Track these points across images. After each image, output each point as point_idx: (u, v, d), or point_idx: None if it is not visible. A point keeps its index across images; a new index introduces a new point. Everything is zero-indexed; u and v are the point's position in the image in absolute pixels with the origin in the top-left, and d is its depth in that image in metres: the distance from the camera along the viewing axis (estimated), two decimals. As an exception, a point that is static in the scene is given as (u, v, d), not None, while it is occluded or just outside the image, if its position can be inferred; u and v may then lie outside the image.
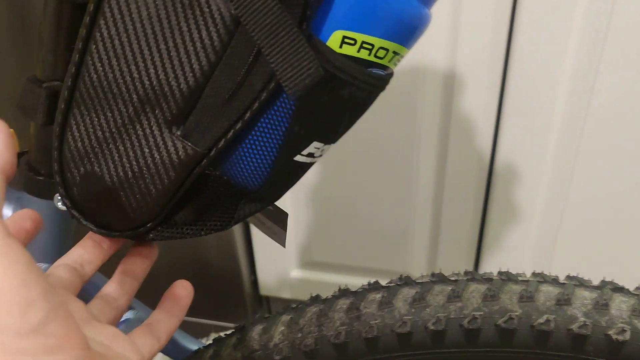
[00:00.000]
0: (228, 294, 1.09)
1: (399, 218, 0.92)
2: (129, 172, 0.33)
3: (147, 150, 0.32)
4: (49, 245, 0.42)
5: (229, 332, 0.43)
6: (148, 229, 0.35)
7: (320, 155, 0.36)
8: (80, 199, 0.35)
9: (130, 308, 0.49)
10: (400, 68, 0.76)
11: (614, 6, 0.67)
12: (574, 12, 0.68)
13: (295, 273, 1.04)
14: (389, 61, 0.33)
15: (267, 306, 1.15)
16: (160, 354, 0.40)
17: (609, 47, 0.70)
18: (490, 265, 0.91)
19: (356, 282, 0.99)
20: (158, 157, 0.32)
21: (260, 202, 0.36)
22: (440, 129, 0.81)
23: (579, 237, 0.85)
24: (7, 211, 0.42)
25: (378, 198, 0.90)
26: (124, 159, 0.33)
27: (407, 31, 0.33)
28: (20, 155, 0.41)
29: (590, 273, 0.74)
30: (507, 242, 0.89)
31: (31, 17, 0.79)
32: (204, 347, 0.44)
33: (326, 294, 0.43)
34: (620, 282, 0.39)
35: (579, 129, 0.76)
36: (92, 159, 0.34)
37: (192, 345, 0.50)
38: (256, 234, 0.99)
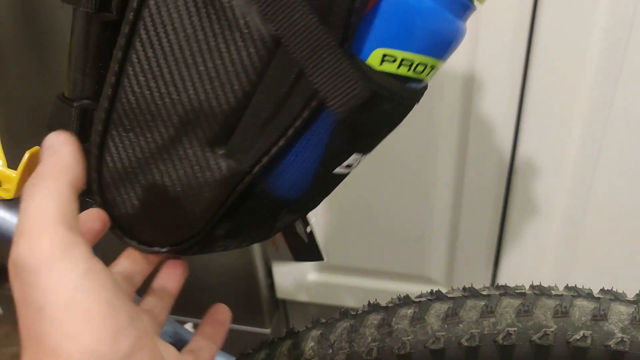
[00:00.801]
0: (245, 297, 1.09)
1: (416, 221, 0.91)
2: (172, 192, 0.33)
3: (190, 170, 0.32)
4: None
5: (255, 348, 0.43)
6: (190, 244, 0.35)
7: (357, 165, 0.36)
8: (121, 217, 0.35)
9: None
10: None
11: (636, 9, 0.66)
12: (595, 15, 0.67)
13: (312, 276, 1.04)
14: (427, 75, 0.33)
15: (283, 309, 1.15)
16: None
17: (632, 48, 0.69)
18: (510, 268, 0.91)
19: (373, 285, 0.99)
20: (201, 176, 0.32)
21: (299, 212, 0.37)
22: (459, 133, 0.81)
23: (600, 240, 0.85)
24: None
25: (395, 201, 0.90)
26: (166, 179, 0.33)
27: (444, 45, 0.32)
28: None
29: (611, 276, 0.73)
30: (526, 245, 0.88)
31: (39, 22, 0.80)
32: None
33: (343, 297, 0.42)
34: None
35: (601, 131, 0.75)
36: (133, 180, 0.34)
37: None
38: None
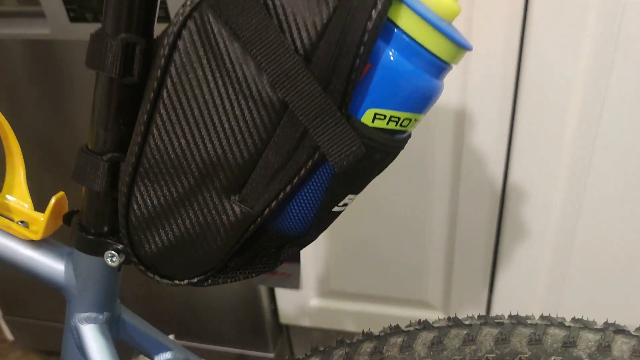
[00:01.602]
0: (249, 322, 1.12)
1: (414, 250, 0.95)
2: (193, 234, 0.38)
3: (208, 215, 0.37)
4: (97, 296, 0.46)
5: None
6: (206, 277, 0.40)
7: (351, 203, 0.41)
8: (146, 256, 0.40)
9: (168, 349, 0.53)
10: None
11: (617, 43, 0.71)
12: (579, 50, 0.72)
13: (314, 302, 1.07)
14: (411, 127, 0.37)
15: (286, 334, 1.18)
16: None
17: (615, 81, 0.73)
18: (504, 292, 0.94)
19: (373, 310, 1.03)
20: (218, 219, 0.37)
21: (301, 245, 0.41)
22: (452, 166, 0.85)
23: (590, 265, 0.88)
24: (60, 266, 0.46)
25: (394, 232, 0.94)
26: (187, 223, 0.37)
27: (424, 102, 0.37)
28: (71, 214, 0.46)
29: (602, 301, 0.76)
30: (519, 270, 0.92)
31: (57, 71, 0.85)
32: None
33: (344, 322, 0.46)
34: (631, 314, 0.42)
35: (588, 161, 0.80)
36: (157, 224, 0.38)
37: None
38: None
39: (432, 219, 0.91)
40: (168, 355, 0.53)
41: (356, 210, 0.93)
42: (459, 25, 0.73)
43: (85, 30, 0.80)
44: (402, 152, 0.86)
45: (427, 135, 0.83)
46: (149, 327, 0.52)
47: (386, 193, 0.90)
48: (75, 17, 0.79)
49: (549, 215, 0.85)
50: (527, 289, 0.93)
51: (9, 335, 1.35)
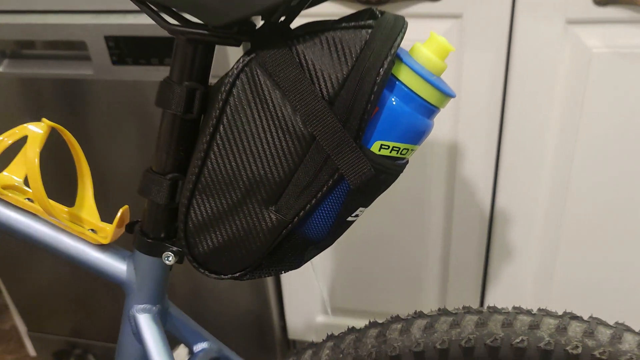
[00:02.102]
0: (260, 338, 1.21)
1: (412, 269, 1.06)
2: (238, 236, 0.48)
3: (251, 221, 0.47)
4: (153, 291, 0.56)
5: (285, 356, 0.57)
6: (246, 272, 0.50)
7: (361, 214, 0.51)
8: (199, 255, 0.50)
9: (205, 340, 0.63)
10: (410, 142, 0.91)
11: (585, 89, 0.83)
12: (553, 94, 0.84)
13: (321, 318, 1.17)
14: (409, 155, 0.48)
15: (294, 349, 1.27)
16: None
17: (585, 121, 0.85)
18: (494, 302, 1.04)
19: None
20: (259, 225, 0.47)
21: (321, 248, 0.51)
22: (446, 193, 0.96)
23: (571, 279, 0.99)
24: (122, 265, 0.56)
25: (394, 253, 1.05)
26: (234, 228, 0.48)
27: (419, 136, 0.48)
28: (133, 224, 0.56)
29: (582, 311, 0.87)
30: (507, 286, 1.02)
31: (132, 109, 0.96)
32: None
33: None
34: (609, 310, 0.52)
35: (565, 189, 0.91)
36: (209, 229, 0.49)
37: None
38: (286, 283, 1.13)
39: (428, 242, 1.02)
40: (205, 345, 0.63)
41: (361, 235, 1.03)
42: (451, 73, 0.85)
43: (126, 72, 0.92)
44: (401, 182, 0.97)
45: (423, 167, 0.94)
46: (190, 321, 0.63)
47: (387, 219, 1.01)
48: (118, 60, 0.91)
49: (532, 236, 0.96)
50: (515, 303, 1.03)
51: (32, 351, 1.43)
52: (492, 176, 0.93)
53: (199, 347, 0.63)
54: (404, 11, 0.83)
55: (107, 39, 0.89)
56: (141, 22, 0.87)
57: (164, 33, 0.86)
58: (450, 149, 0.92)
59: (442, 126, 0.91)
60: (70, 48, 0.94)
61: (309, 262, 0.55)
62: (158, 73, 0.91)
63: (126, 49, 0.90)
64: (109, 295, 1.22)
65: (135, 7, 0.80)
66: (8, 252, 1.22)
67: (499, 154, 0.91)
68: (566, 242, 0.96)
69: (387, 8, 0.82)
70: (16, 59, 0.97)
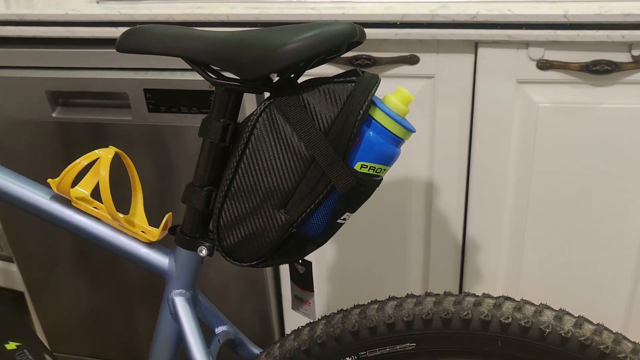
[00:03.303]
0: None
1: (396, 286, 1.21)
2: (256, 232, 0.65)
3: (266, 220, 0.65)
4: (189, 278, 0.73)
5: (289, 332, 0.73)
6: (261, 261, 0.67)
7: (348, 219, 0.68)
8: (227, 246, 0.67)
9: (225, 324, 0.79)
10: (394, 179, 1.10)
11: (535, 138, 1.02)
12: (510, 140, 1.03)
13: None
14: (382, 173, 0.66)
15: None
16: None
17: (537, 162, 1.03)
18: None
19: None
20: (272, 223, 0.65)
21: (318, 244, 0.68)
22: (425, 222, 1.14)
23: (534, 293, 1.14)
24: (165, 259, 0.73)
25: (380, 274, 1.21)
26: (254, 225, 0.65)
27: (390, 160, 0.66)
28: (175, 227, 0.74)
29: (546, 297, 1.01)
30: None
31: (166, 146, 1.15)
32: (281, 340, 0.74)
33: None
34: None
35: (524, 218, 1.08)
36: (235, 226, 0.66)
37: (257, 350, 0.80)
38: (286, 301, 1.29)
39: (410, 263, 1.18)
40: (224, 328, 0.79)
41: (352, 253, 1.20)
42: (426, 122, 1.04)
43: (159, 118, 1.11)
44: (384, 212, 1.15)
45: (404, 199, 1.12)
46: (213, 307, 0.79)
47: (372, 244, 1.18)
48: (153, 108, 1.11)
49: (499, 258, 1.13)
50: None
51: (53, 372, 1.56)
52: (462, 209, 1.11)
53: (219, 329, 0.79)
54: (388, 72, 1.03)
55: (146, 91, 1.09)
56: (174, 78, 1.07)
57: (192, 87, 1.07)
58: (427, 185, 1.11)
59: (420, 165, 1.09)
60: (113, 98, 1.14)
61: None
62: (187, 119, 1.10)
63: (160, 99, 1.10)
64: (129, 317, 1.37)
65: (170, 66, 1.02)
66: (40, 278, 1.38)
67: (468, 190, 1.09)
68: (527, 264, 1.13)
69: (373, 70, 1.02)
70: (67, 107, 1.17)
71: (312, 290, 0.79)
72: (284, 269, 1.23)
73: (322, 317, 0.73)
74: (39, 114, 1.16)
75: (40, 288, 1.41)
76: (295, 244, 0.68)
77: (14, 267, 1.63)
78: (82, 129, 1.16)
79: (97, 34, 1.08)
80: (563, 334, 0.64)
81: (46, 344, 1.50)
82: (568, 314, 0.66)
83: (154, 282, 1.30)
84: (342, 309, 0.72)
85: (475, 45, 0.98)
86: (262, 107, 0.64)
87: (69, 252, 1.32)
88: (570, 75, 0.96)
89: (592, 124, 0.99)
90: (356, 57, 1.02)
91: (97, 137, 1.16)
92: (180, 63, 1.07)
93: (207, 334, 0.76)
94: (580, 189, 1.04)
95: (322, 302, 1.28)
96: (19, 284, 1.60)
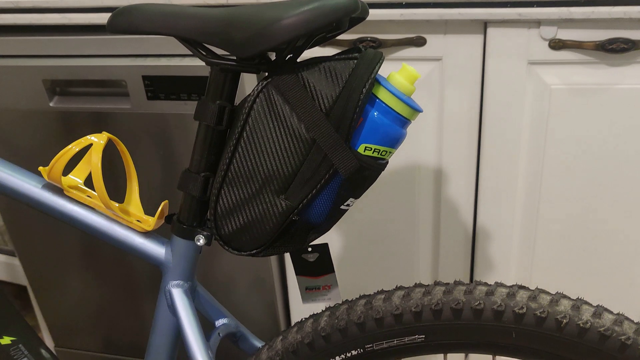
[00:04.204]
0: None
1: (406, 276, 1.18)
2: (256, 219, 0.62)
3: (266, 207, 0.61)
4: (186, 268, 0.70)
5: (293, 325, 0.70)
6: (261, 249, 0.64)
7: (352, 205, 0.65)
8: (225, 235, 0.64)
9: (225, 316, 0.76)
10: (402, 165, 1.06)
11: (549, 115, 0.97)
12: (521, 122, 0.99)
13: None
14: (388, 156, 0.63)
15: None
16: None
17: (549, 145, 0.99)
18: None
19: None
20: (272, 210, 0.61)
21: (320, 232, 0.65)
22: (434, 211, 1.10)
23: (547, 283, 1.10)
24: (161, 249, 0.70)
25: (390, 263, 1.17)
26: (253, 212, 0.62)
27: (395, 141, 0.62)
28: (171, 216, 0.70)
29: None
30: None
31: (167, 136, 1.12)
32: (283, 333, 0.70)
33: None
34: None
35: (537, 205, 1.04)
36: (234, 214, 0.63)
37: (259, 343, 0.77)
38: (292, 294, 1.26)
39: (419, 253, 1.15)
40: (225, 320, 0.76)
41: (361, 248, 1.17)
42: (434, 107, 1.01)
43: (158, 106, 1.08)
44: (391, 200, 1.11)
45: (412, 186, 1.08)
46: (213, 299, 0.76)
47: (381, 236, 1.14)
48: (152, 96, 1.07)
49: (511, 247, 1.09)
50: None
51: (58, 367, 1.54)
52: (473, 197, 1.07)
53: (220, 322, 0.76)
54: (394, 55, 0.99)
55: (144, 78, 1.06)
56: (172, 64, 1.04)
57: (191, 73, 1.03)
58: (436, 173, 1.07)
59: (428, 153, 1.06)
60: (112, 86, 1.11)
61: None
62: (186, 107, 1.07)
63: (159, 86, 1.06)
64: (133, 311, 1.35)
65: (168, 52, 0.98)
66: (43, 272, 1.36)
67: (478, 177, 1.05)
68: (540, 254, 1.09)
69: (379, 52, 0.98)
70: (64, 96, 1.14)
71: (333, 271, 0.75)
72: (290, 260, 1.19)
73: (326, 308, 0.69)
74: (37, 103, 1.13)
75: (43, 282, 1.38)
76: (296, 231, 0.65)
77: (17, 262, 1.61)
78: (81, 118, 1.13)
79: (93, 20, 1.04)
80: (581, 325, 0.60)
81: (50, 339, 1.48)
82: (586, 303, 0.62)
83: (159, 276, 1.27)
84: (347, 300, 0.69)
85: (485, 25, 0.94)
86: (260, 87, 0.61)
87: (72, 245, 1.30)
88: (585, 54, 0.92)
89: (607, 106, 0.95)
90: (361, 40, 0.98)
91: (96, 127, 1.13)
92: (179, 49, 1.04)
93: (207, 327, 0.73)
94: (596, 173, 1.00)
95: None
96: (22, 279, 1.59)
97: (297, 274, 0.76)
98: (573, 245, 1.07)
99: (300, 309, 1.25)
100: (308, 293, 0.76)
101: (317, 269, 0.75)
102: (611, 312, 0.62)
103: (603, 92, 0.94)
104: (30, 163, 1.16)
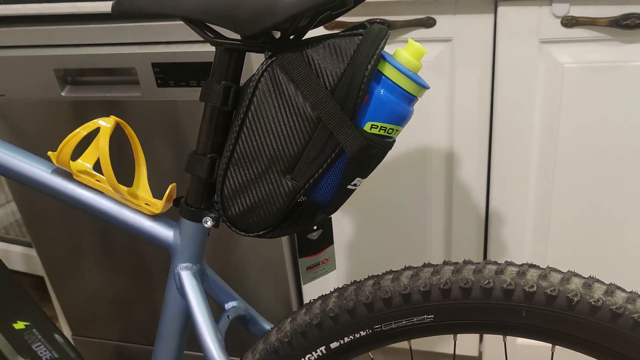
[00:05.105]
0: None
1: (418, 261, 1.17)
2: (262, 200, 0.62)
3: (272, 187, 0.61)
4: (195, 251, 0.70)
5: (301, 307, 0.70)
6: (269, 231, 0.63)
7: (359, 185, 0.64)
8: (232, 216, 0.64)
9: (234, 299, 0.76)
10: (413, 148, 1.05)
11: (561, 99, 0.96)
12: (534, 102, 0.97)
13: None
14: (395, 134, 0.62)
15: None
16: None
17: (562, 126, 0.98)
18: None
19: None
20: (278, 190, 0.61)
21: (327, 213, 0.64)
22: (446, 195, 1.09)
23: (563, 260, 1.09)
24: (169, 232, 0.70)
25: (402, 248, 1.17)
26: (259, 193, 0.62)
27: (402, 119, 0.62)
28: (179, 199, 0.70)
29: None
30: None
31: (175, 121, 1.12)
32: (292, 314, 0.70)
33: None
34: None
35: (550, 182, 1.03)
36: (240, 194, 0.63)
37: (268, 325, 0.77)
38: (306, 287, 1.26)
39: (431, 236, 1.14)
40: (234, 303, 0.76)
41: (373, 231, 1.16)
42: (445, 88, 0.99)
43: (168, 93, 1.08)
44: (403, 183, 1.10)
45: (424, 168, 1.07)
46: (222, 282, 0.76)
47: (392, 217, 1.13)
48: (162, 83, 1.08)
49: (524, 232, 1.08)
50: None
51: (75, 355, 1.56)
52: (485, 180, 1.06)
53: (229, 305, 0.76)
54: (403, 36, 0.98)
55: (154, 65, 1.06)
56: (182, 50, 1.04)
57: (200, 59, 1.03)
58: (447, 157, 1.06)
59: (439, 136, 1.04)
60: (122, 74, 1.11)
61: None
62: (195, 93, 1.07)
63: (169, 73, 1.06)
64: (148, 300, 1.36)
65: (177, 39, 0.97)
66: (59, 263, 1.37)
67: (490, 160, 1.04)
68: (554, 236, 1.07)
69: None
70: (76, 85, 1.15)
71: (332, 243, 0.76)
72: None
73: (334, 289, 0.69)
74: (49, 93, 1.14)
75: (60, 273, 1.40)
76: (303, 212, 0.64)
77: (34, 253, 1.63)
78: (93, 106, 1.14)
79: (102, 8, 1.05)
80: (593, 303, 0.59)
81: (67, 328, 1.50)
82: (598, 281, 0.61)
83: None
84: (355, 280, 0.68)
85: (495, 4, 0.92)
86: (264, 66, 0.61)
87: (88, 236, 1.31)
88: (598, 31, 0.90)
89: (622, 84, 0.93)
90: (370, 22, 0.97)
91: (107, 114, 1.14)
92: (188, 35, 1.04)
93: (216, 310, 0.73)
94: (610, 153, 0.98)
95: (341, 278, 1.24)
96: (39, 269, 1.61)
97: (300, 256, 0.75)
98: (588, 225, 1.05)
99: (312, 292, 1.25)
100: (308, 273, 0.76)
101: (319, 244, 0.74)
102: (624, 290, 0.60)
103: (618, 69, 0.92)
104: (43, 152, 1.17)
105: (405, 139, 1.05)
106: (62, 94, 1.14)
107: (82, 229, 1.30)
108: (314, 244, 0.74)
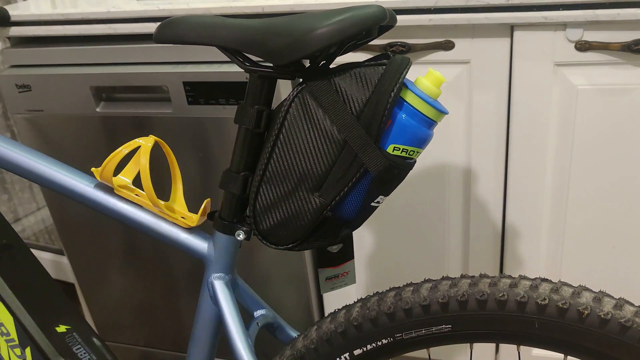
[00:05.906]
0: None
1: (436, 276, 1.21)
2: (292, 215, 0.67)
3: (301, 203, 0.66)
4: (227, 262, 0.75)
5: (326, 315, 0.74)
6: (297, 244, 0.68)
7: (382, 202, 0.68)
8: (263, 230, 0.69)
9: (263, 307, 0.81)
10: (432, 166, 1.09)
11: (575, 116, 0.99)
12: (549, 123, 1.01)
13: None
14: (416, 156, 0.67)
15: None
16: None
17: (576, 145, 1.01)
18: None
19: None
20: (307, 206, 0.66)
21: (352, 228, 0.69)
22: (463, 210, 1.13)
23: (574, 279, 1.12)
24: (204, 244, 0.76)
25: (421, 262, 1.21)
26: (289, 209, 0.67)
27: (422, 142, 0.66)
28: (213, 213, 0.76)
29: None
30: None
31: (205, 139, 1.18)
32: (317, 323, 0.75)
33: None
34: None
35: (564, 207, 1.06)
36: (271, 210, 0.67)
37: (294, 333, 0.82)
38: (326, 296, 1.30)
39: (449, 251, 1.18)
40: (263, 311, 0.81)
41: (393, 245, 1.20)
42: (463, 108, 1.04)
43: (198, 110, 1.14)
44: (422, 200, 1.15)
45: (442, 186, 1.11)
46: (251, 291, 0.81)
47: (411, 233, 1.17)
48: (192, 101, 1.13)
49: (539, 246, 1.11)
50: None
51: (103, 360, 1.62)
52: (501, 197, 1.10)
53: (258, 313, 0.81)
54: (423, 59, 1.03)
55: (185, 84, 1.12)
56: (212, 70, 1.10)
57: (229, 79, 1.08)
58: (465, 173, 1.10)
59: (457, 153, 1.09)
60: (154, 92, 1.17)
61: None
62: (225, 111, 1.12)
63: (199, 92, 1.12)
64: (175, 308, 1.41)
65: (208, 59, 1.03)
66: (89, 270, 1.43)
67: (507, 177, 1.08)
68: (568, 252, 1.10)
69: (408, 56, 1.02)
70: (110, 102, 1.21)
71: (352, 258, 0.80)
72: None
73: (358, 300, 0.74)
74: (85, 109, 1.21)
75: (90, 280, 1.46)
76: (329, 227, 0.69)
77: (64, 260, 1.69)
78: (125, 122, 1.20)
79: (137, 29, 1.11)
80: (602, 316, 0.63)
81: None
82: (608, 295, 0.65)
83: (200, 274, 1.33)
84: (377, 292, 0.73)
85: (511, 29, 0.97)
86: (295, 93, 0.66)
87: (117, 244, 1.37)
88: (611, 55, 0.94)
89: (634, 106, 0.96)
90: (391, 45, 1.02)
91: (139, 130, 1.20)
92: (218, 56, 1.10)
93: (246, 318, 0.78)
94: (623, 174, 1.02)
95: (361, 288, 1.28)
96: (70, 276, 1.67)
97: (319, 266, 0.80)
98: (602, 244, 1.08)
99: (334, 302, 1.29)
100: (327, 282, 0.81)
101: (339, 258, 0.79)
102: (632, 304, 0.64)
103: (630, 92, 0.96)
104: (79, 165, 1.24)
105: (426, 156, 1.10)
106: (97, 110, 1.20)
107: (112, 237, 1.36)
108: (334, 256, 0.79)
